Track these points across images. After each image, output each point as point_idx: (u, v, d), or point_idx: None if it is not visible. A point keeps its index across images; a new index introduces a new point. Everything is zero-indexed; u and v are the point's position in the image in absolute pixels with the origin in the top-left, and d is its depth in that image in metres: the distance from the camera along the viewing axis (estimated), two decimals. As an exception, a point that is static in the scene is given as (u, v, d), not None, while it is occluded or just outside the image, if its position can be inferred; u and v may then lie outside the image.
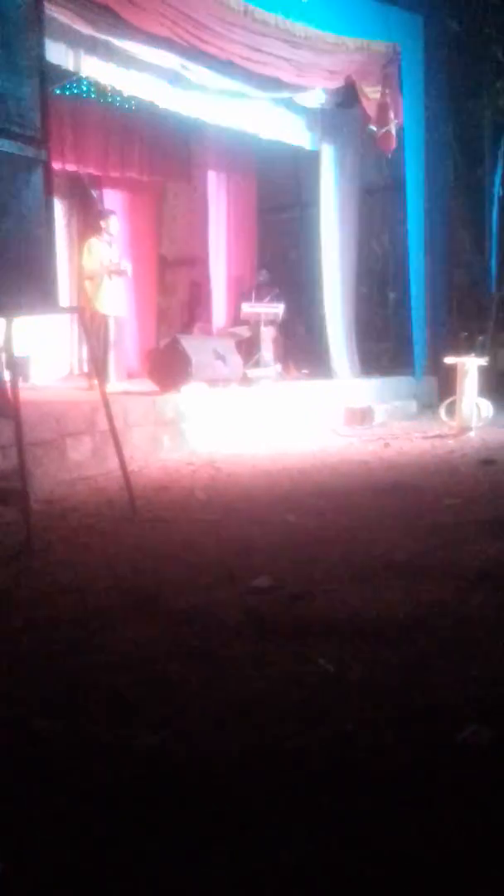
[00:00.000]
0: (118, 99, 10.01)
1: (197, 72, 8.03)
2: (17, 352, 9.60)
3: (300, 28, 8.15)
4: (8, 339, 4.77)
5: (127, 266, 9.43)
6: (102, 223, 9.42)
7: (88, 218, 11.45)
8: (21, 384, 9.22)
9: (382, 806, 2.11)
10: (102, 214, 9.66)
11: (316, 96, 9.38)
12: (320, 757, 2.35)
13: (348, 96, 9.51)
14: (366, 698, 2.70)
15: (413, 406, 10.47)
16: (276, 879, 1.84)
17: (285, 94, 9.06)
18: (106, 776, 2.28)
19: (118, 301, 9.36)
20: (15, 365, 5.23)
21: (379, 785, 2.20)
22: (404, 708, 2.63)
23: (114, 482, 6.12)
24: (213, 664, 3.00)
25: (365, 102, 9.39)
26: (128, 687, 2.82)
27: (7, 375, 5.09)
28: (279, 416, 8.84)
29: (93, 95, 10.18)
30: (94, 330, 8.74)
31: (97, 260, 9.15)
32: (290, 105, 9.42)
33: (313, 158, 10.41)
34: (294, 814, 2.08)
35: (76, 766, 2.34)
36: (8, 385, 5.27)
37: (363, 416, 9.53)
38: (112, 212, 9.78)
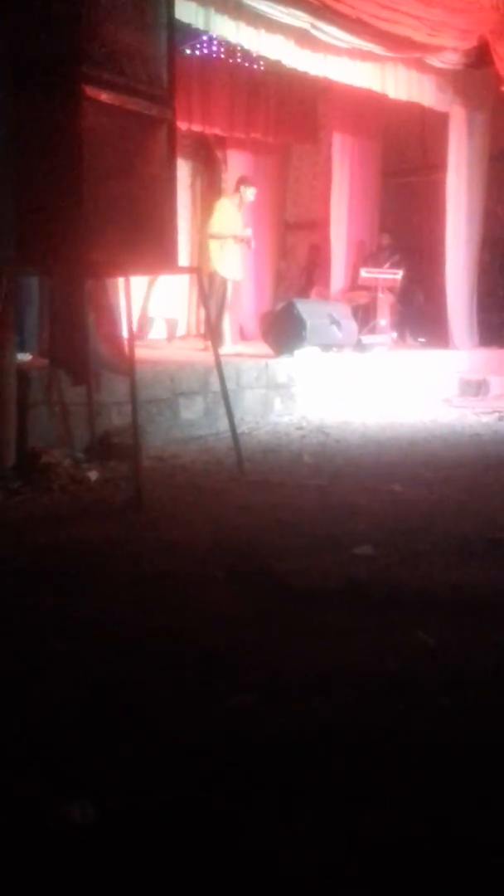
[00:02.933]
0: (246, 58, 9.95)
1: (326, 31, 7.89)
2: (167, 313, 9.95)
3: (435, -15, 7.92)
4: (136, 299, 4.86)
5: (251, 239, 9.44)
6: (242, 188, 9.42)
7: (213, 179, 11.50)
8: (166, 343, 9.58)
9: (476, 787, 2.07)
10: (244, 181, 9.62)
11: (447, 56, 9.11)
12: (413, 731, 2.33)
13: (481, 56, 9.18)
14: (464, 674, 2.67)
15: (532, 379, 10.18)
16: (359, 842, 1.85)
17: (416, 54, 8.82)
18: (197, 731, 2.31)
19: (237, 265, 9.39)
20: (132, 323, 5.31)
21: (474, 766, 2.17)
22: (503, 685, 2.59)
23: (223, 443, 6.19)
24: (310, 629, 3.01)
25: (498, 63, 9.07)
26: (223, 647, 2.86)
27: (126, 333, 5.19)
28: (392, 384, 8.73)
29: (221, 55, 10.14)
30: (211, 291, 8.82)
31: (225, 222, 9.18)
32: (420, 65, 9.16)
33: (442, 120, 10.14)
34: (383, 786, 2.07)
35: (169, 718, 2.39)
36: (126, 343, 5.37)
37: (478, 387, 9.32)
38: (252, 183, 9.73)
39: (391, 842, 1.85)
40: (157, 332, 10.07)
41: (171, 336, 10.14)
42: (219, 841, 1.86)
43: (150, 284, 9.75)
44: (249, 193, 9.44)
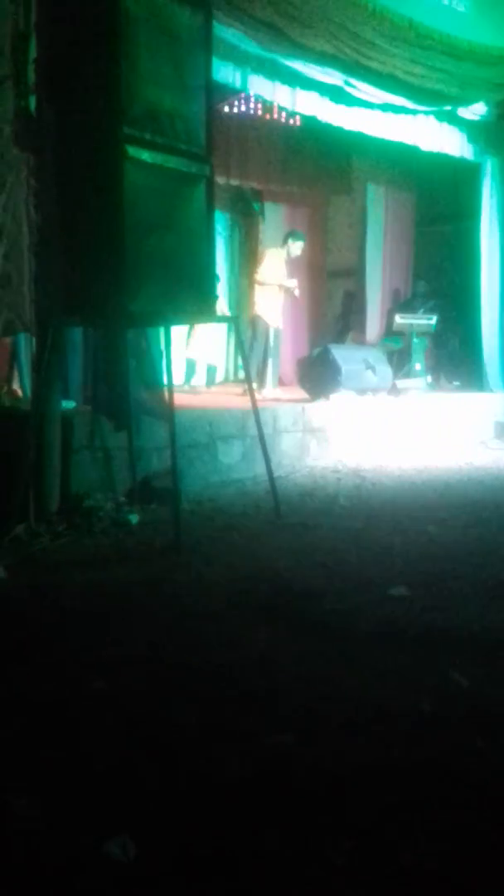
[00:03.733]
0: (281, 114, 10.23)
1: (360, 87, 8.12)
2: (208, 358, 10.16)
3: (464, 41, 8.11)
4: (168, 346, 5.02)
5: (296, 288, 9.64)
6: (290, 241, 9.63)
7: (251, 231, 11.74)
8: (204, 389, 9.76)
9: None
10: (294, 235, 9.79)
11: (478, 108, 9.30)
12: (448, 773, 2.36)
13: (512, 108, 9.37)
14: (500, 717, 2.71)
15: None
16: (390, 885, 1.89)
17: (447, 107, 9.03)
18: (236, 770, 2.36)
19: (279, 312, 9.59)
20: (172, 370, 5.47)
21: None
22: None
23: (261, 486, 6.29)
24: (347, 669, 3.06)
25: (529, 113, 9.25)
26: (262, 685, 2.91)
27: (166, 380, 5.34)
28: (427, 428, 8.80)
29: (258, 111, 10.44)
30: (255, 335, 9.04)
31: (271, 271, 9.41)
32: (451, 117, 9.37)
33: (474, 170, 10.31)
34: (416, 829, 2.09)
35: (205, 754, 2.44)
36: (165, 390, 5.52)
37: (514, 430, 9.37)
38: (303, 236, 9.90)
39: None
40: (197, 377, 10.27)
41: (210, 381, 10.36)
42: (253, 879, 1.91)
43: (191, 330, 9.97)
44: (297, 248, 9.61)
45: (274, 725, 2.62)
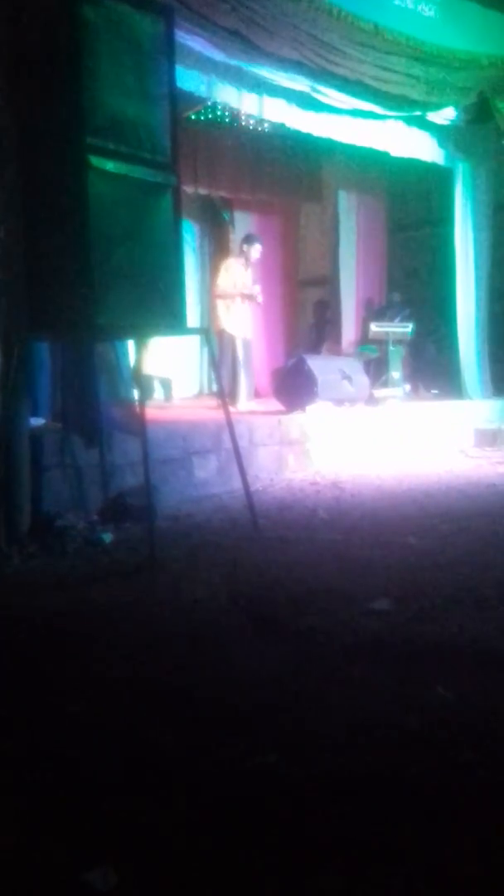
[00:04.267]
0: (249, 122, 10.17)
1: (327, 93, 8.07)
2: (161, 372, 9.95)
3: (431, 46, 8.09)
4: (138, 360, 4.92)
5: (258, 294, 9.53)
6: (245, 246, 9.55)
7: (221, 240, 11.67)
8: (164, 403, 9.56)
9: None
10: (248, 239, 9.74)
11: (448, 113, 9.28)
12: (440, 787, 2.29)
13: (481, 112, 9.34)
14: (487, 730, 2.62)
15: (548, 428, 10.15)
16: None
17: (416, 112, 8.99)
18: (217, 791, 2.29)
19: (246, 323, 9.47)
20: (143, 385, 5.36)
21: None
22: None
23: (238, 500, 6.18)
24: (329, 686, 2.97)
25: (498, 118, 9.23)
26: (242, 705, 2.83)
27: (136, 395, 5.23)
28: (406, 437, 8.73)
29: (225, 120, 10.38)
30: (221, 349, 8.89)
31: (231, 281, 9.29)
32: (421, 122, 9.33)
33: (445, 175, 10.30)
34: (411, 848, 2.02)
35: (190, 779, 2.36)
36: (137, 404, 5.41)
37: (494, 437, 9.31)
38: (258, 238, 9.83)
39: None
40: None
41: (168, 396, 10.12)
42: None
43: (143, 345, 9.77)
44: (254, 251, 9.52)
45: (257, 744, 2.53)
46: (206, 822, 2.15)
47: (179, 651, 3.37)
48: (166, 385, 10.15)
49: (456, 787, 2.29)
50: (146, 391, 9.42)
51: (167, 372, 10.13)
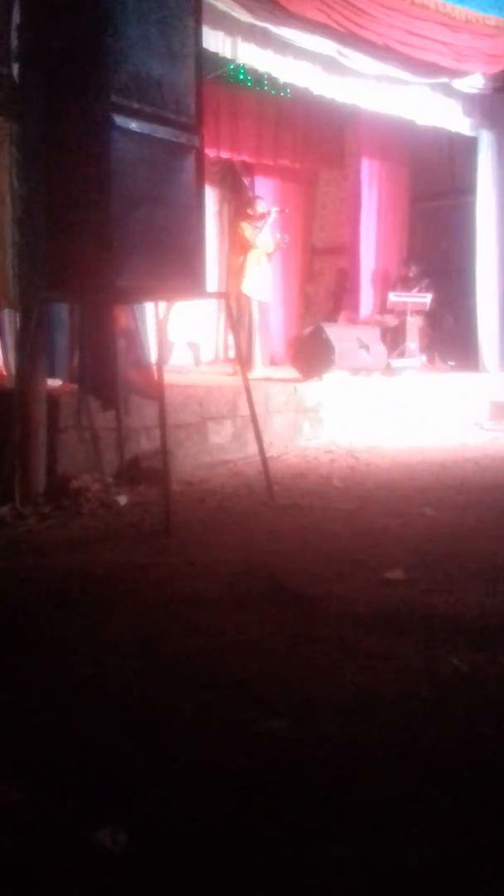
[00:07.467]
0: (273, 86, 10.02)
1: (353, 58, 7.95)
2: (190, 336, 9.92)
3: (460, 11, 7.95)
4: (160, 323, 4.88)
5: (283, 241, 9.47)
6: (249, 210, 9.47)
7: (241, 205, 11.54)
8: (192, 367, 9.53)
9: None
10: (250, 201, 9.68)
11: (474, 81, 9.13)
12: (455, 757, 2.29)
13: (509, 81, 9.21)
14: (502, 702, 2.62)
15: None
16: (395, 872, 1.81)
17: (443, 79, 8.85)
18: (229, 751, 2.30)
19: (263, 286, 9.38)
20: (162, 348, 5.34)
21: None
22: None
23: (253, 467, 6.17)
24: (343, 654, 2.97)
25: (526, 87, 9.10)
26: (255, 672, 2.83)
27: (154, 358, 5.21)
28: (422, 408, 8.68)
29: (248, 83, 10.23)
30: (239, 313, 8.82)
31: (245, 242, 9.21)
32: (447, 90, 9.19)
33: (470, 145, 10.15)
34: (424, 814, 2.02)
35: (202, 744, 2.37)
36: (154, 368, 5.39)
37: (510, 410, 9.24)
38: (258, 197, 9.75)
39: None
40: (179, 357, 9.98)
41: (196, 361, 10.10)
42: (248, 864, 1.84)
43: (169, 309, 9.74)
44: (260, 206, 9.44)
45: (269, 710, 2.54)
46: (218, 782, 2.16)
47: (192, 615, 3.37)
48: (195, 349, 10.11)
49: (469, 758, 2.28)
50: (164, 355, 9.41)
51: (195, 336, 10.07)
